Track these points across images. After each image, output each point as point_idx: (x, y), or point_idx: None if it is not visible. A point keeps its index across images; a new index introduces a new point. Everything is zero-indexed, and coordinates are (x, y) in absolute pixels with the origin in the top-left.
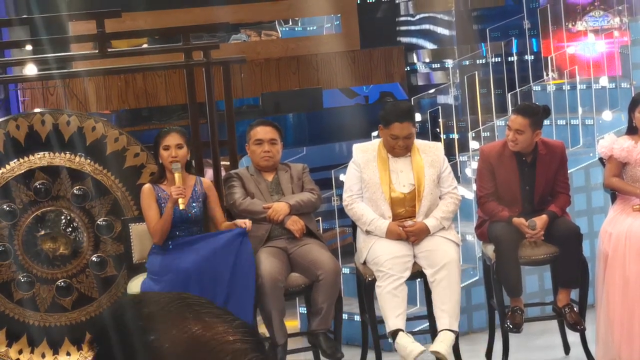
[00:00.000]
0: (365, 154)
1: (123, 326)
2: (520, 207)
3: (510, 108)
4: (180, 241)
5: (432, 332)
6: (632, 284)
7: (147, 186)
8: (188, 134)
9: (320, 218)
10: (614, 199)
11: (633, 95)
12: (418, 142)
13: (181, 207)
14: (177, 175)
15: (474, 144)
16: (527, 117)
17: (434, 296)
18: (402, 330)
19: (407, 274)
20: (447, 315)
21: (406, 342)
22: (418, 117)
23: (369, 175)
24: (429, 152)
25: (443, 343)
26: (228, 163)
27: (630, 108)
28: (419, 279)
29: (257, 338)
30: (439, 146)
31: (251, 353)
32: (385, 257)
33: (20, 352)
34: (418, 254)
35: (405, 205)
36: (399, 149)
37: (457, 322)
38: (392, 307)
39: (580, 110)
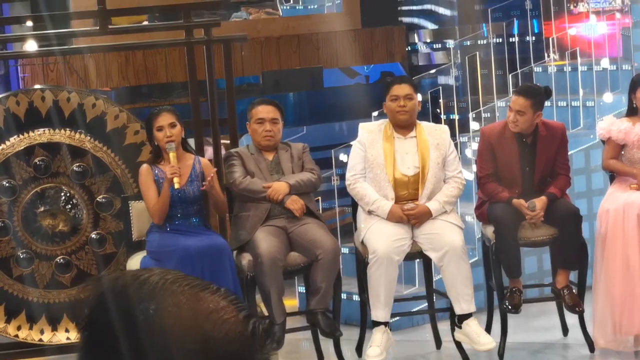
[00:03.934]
0: (371, 133)
1: (111, 308)
2: (520, 188)
3: (511, 89)
4: (177, 227)
5: (431, 312)
6: (632, 256)
7: (144, 166)
8: (188, 112)
9: (319, 198)
10: (612, 180)
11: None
12: (424, 124)
13: (176, 186)
14: (172, 155)
15: (474, 125)
16: (529, 98)
17: (446, 281)
18: (386, 325)
19: (401, 257)
20: (462, 299)
21: (376, 341)
22: (419, 97)
23: (374, 155)
24: (435, 134)
25: (482, 334)
26: (228, 142)
27: (631, 89)
28: (418, 259)
29: (244, 303)
30: (445, 129)
31: (251, 317)
32: (380, 242)
33: (18, 328)
34: (420, 236)
35: (408, 187)
36: (402, 111)
37: (473, 302)
38: (381, 296)
39: (581, 91)
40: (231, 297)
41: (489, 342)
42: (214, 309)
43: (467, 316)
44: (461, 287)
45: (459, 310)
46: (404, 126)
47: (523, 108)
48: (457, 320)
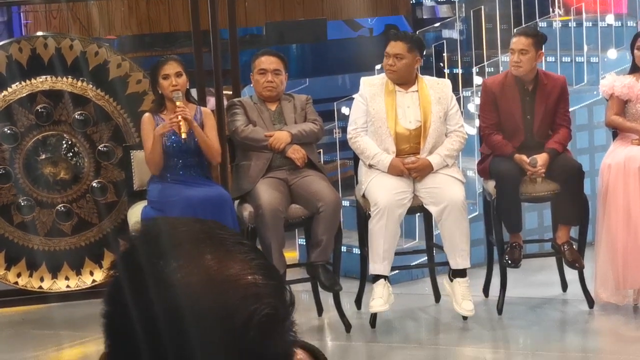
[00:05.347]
0: (373, 87)
1: (138, 254)
2: (522, 137)
3: None
4: (178, 177)
5: (430, 266)
6: (633, 209)
7: (147, 115)
8: (191, 62)
9: (321, 150)
10: (615, 136)
11: None
12: (426, 78)
13: (183, 136)
14: (178, 104)
15: (477, 79)
16: (530, 37)
17: (443, 235)
18: (386, 278)
19: (402, 210)
20: (458, 254)
21: (378, 293)
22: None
23: (375, 109)
24: (437, 88)
25: (465, 300)
26: (230, 92)
27: (632, 44)
28: (418, 214)
29: (276, 281)
30: (447, 83)
31: (264, 299)
32: (381, 194)
33: (18, 275)
34: (421, 189)
35: (410, 141)
36: (390, 69)
37: (468, 258)
38: (381, 249)
39: (585, 47)
40: (263, 271)
41: (469, 309)
42: (238, 281)
43: (462, 274)
44: (458, 242)
45: (453, 264)
46: (398, 83)
47: (526, 46)
48: (451, 274)
